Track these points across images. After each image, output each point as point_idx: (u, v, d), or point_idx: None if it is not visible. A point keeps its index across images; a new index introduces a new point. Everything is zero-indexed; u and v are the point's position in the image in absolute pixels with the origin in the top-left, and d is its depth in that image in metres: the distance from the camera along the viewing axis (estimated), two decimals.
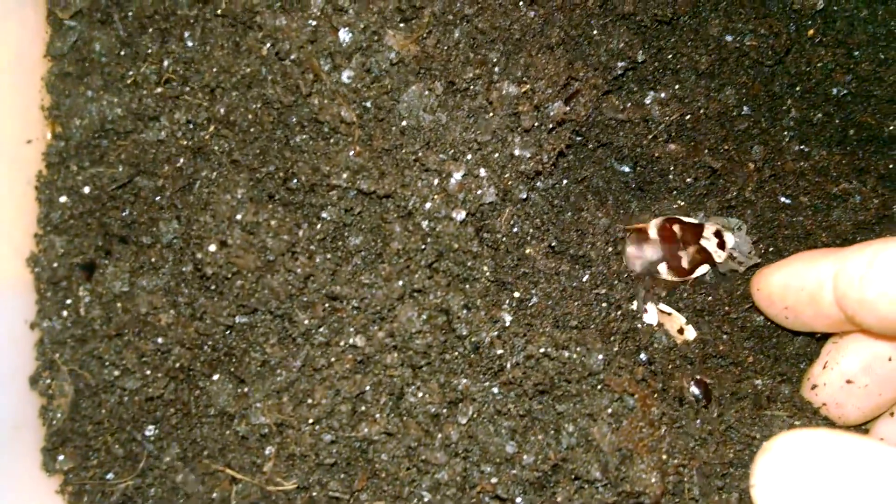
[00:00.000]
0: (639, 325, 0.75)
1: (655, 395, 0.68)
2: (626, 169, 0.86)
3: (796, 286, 0.73)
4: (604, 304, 0.76)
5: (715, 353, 0.78)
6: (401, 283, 0.72)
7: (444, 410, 0.71)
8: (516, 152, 0.75)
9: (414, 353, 0.71)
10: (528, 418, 0.70)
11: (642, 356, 0.72)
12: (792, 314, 0.75)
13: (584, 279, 0.78)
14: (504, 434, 0.70)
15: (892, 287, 0.63)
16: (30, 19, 0.74)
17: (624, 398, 0.68)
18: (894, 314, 0.63)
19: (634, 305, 0.76)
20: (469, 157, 0.75)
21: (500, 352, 0.72)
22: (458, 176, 0.73)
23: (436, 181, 0.73)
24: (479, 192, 0.74)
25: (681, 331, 0.78)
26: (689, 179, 0.85)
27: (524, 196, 0.78)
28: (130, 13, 0.75)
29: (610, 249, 0.80)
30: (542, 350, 0.71)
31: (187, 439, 0.75)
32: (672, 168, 0.85)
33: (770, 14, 0.84)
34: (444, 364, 0.72)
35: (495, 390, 0.71)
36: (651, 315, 0.73)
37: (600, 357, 0.69)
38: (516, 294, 0.76)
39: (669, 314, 0.79)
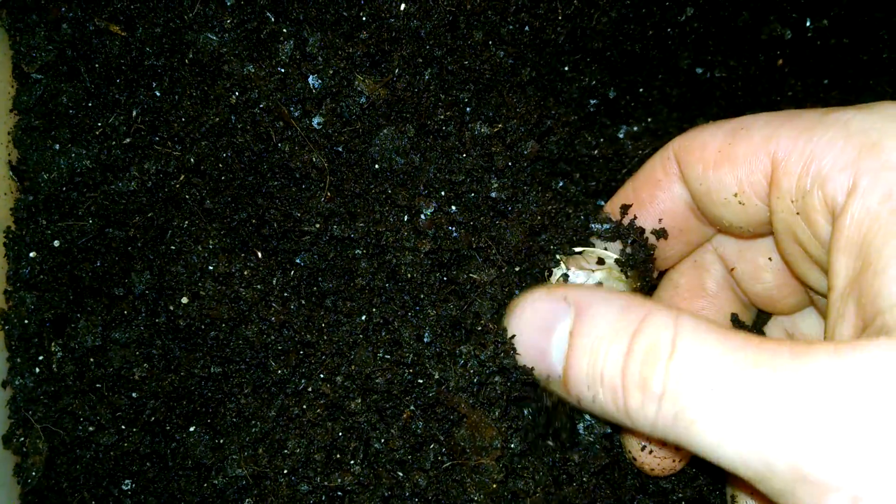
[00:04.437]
0: None
1: None
2: (601, 203, 0.85)
3: None
4: None
5: None
6: (363, 318, 0.72)
7: (409, 457, 0.71)
8: (493, 195, 0.75)
9: (379, 397, 0.71)
10: None
11: None
12: None
13: None
14: None
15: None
16: None
17: None
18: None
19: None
20: (443, 193, 0.74)
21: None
22: (428, 212, 0.73)
23: (406, 217, 0.73)
24: (451, 227, 0.74)
25: (601, 261, 0.75)
26: None
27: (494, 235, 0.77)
28: (97, 65, 0.74)
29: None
30: None
31: (165, 493, 0.74)
32: None
33: (739, 45, 0.85)
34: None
35: None
36: (558, 268, 0.73)
37: None
38: None
39: (580, 252, 0.76)
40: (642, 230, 0.73)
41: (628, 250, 0.74)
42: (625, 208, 0.74)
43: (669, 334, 0.52)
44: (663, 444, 0.70)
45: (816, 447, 0.45)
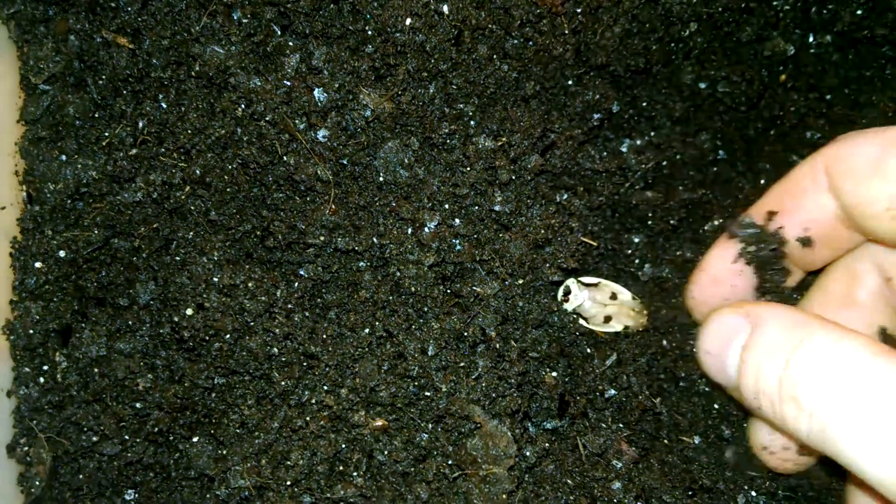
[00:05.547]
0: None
1: None
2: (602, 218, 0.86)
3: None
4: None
5: None
6: (367, 331, 0.72)
7: (412, 469, 0.71)
8: (496, 208, 0.75)
9: (381, 408, 0.71)
10: None
11: None
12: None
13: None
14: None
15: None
16: (2, 85, 0.74)
17: None
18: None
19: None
20: (447, 206, 0.75)
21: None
22: (431, 225, 0.73)
23: (410, 230, 0.73)
24: (454, 240, 0.74)
25: (613, 296, 0.78)
26: (672, 222, 0.85)
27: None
28: (104, 76, 0.75)
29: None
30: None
31: (167, 503, 0.74)
32: (650, 214, 0.85)
33: (742, 61, 0.85)
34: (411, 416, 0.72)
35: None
36: (575, 297, 0.75)
37: None
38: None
39: (596, 284, 0.79)
40: (783, 239, 0.74)
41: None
42: (771, 214, 0.74)
43: (827, 353, 0.55)
44: (785, 447, 0.73)
45: None
